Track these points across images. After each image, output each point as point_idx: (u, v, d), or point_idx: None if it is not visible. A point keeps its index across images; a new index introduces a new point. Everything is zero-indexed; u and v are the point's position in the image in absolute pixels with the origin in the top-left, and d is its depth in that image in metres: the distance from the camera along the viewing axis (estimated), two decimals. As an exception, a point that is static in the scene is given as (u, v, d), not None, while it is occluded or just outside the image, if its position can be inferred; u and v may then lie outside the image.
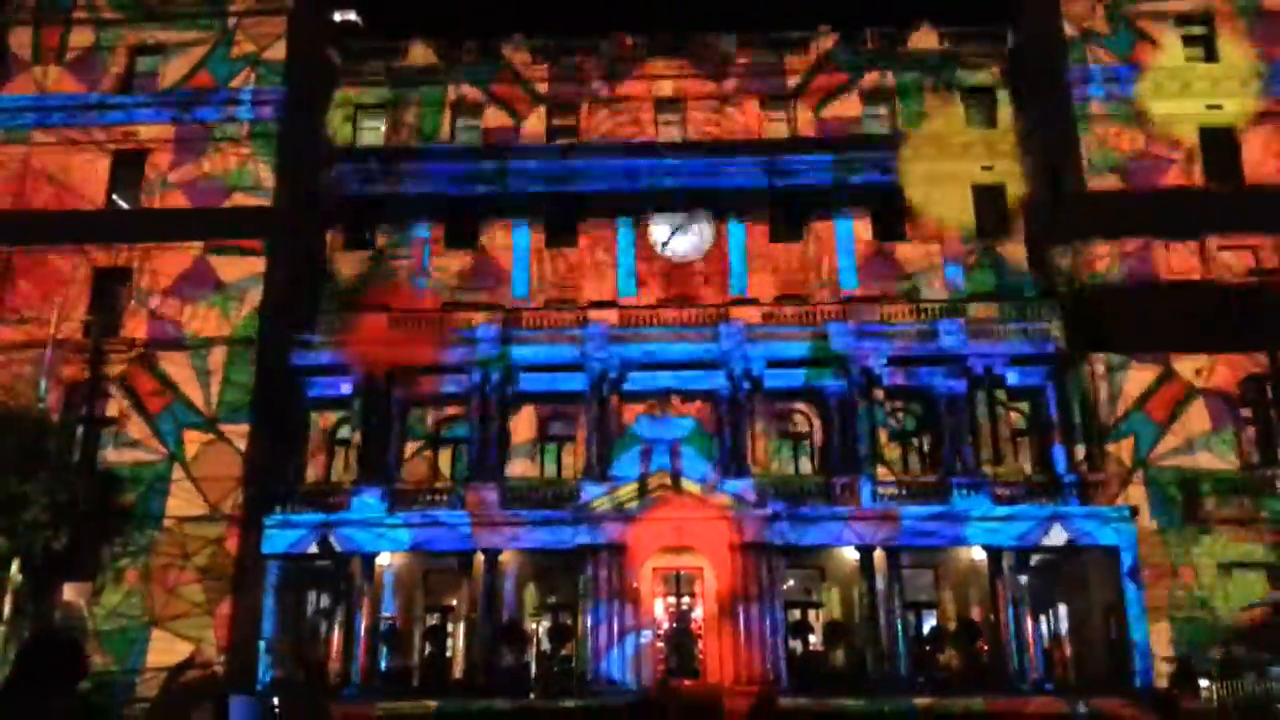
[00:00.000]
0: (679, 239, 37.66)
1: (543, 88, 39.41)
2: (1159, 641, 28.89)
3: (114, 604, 30.32)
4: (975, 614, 32.97)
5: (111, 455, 31.87)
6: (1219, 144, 33.32)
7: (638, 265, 37.57)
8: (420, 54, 39.54)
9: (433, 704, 27.69)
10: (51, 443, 30.51)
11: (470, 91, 39.44)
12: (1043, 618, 33.00)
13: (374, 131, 39.50)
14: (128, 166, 35.15)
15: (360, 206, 38.24)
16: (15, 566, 27.84)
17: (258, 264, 33.81)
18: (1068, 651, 32.96)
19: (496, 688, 29.89)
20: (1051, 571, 33.06)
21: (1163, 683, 27.79)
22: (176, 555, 30.79)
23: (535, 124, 39.15)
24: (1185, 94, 33.59)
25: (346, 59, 39.51)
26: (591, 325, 34.14)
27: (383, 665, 32.16)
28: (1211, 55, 34.26)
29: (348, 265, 37.72)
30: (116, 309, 33.61)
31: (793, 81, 38.93)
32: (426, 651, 33.63)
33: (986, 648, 31.46)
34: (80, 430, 32.40)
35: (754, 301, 35.86)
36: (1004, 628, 30.65)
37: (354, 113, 39.55)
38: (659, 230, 37.88)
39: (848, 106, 38.69)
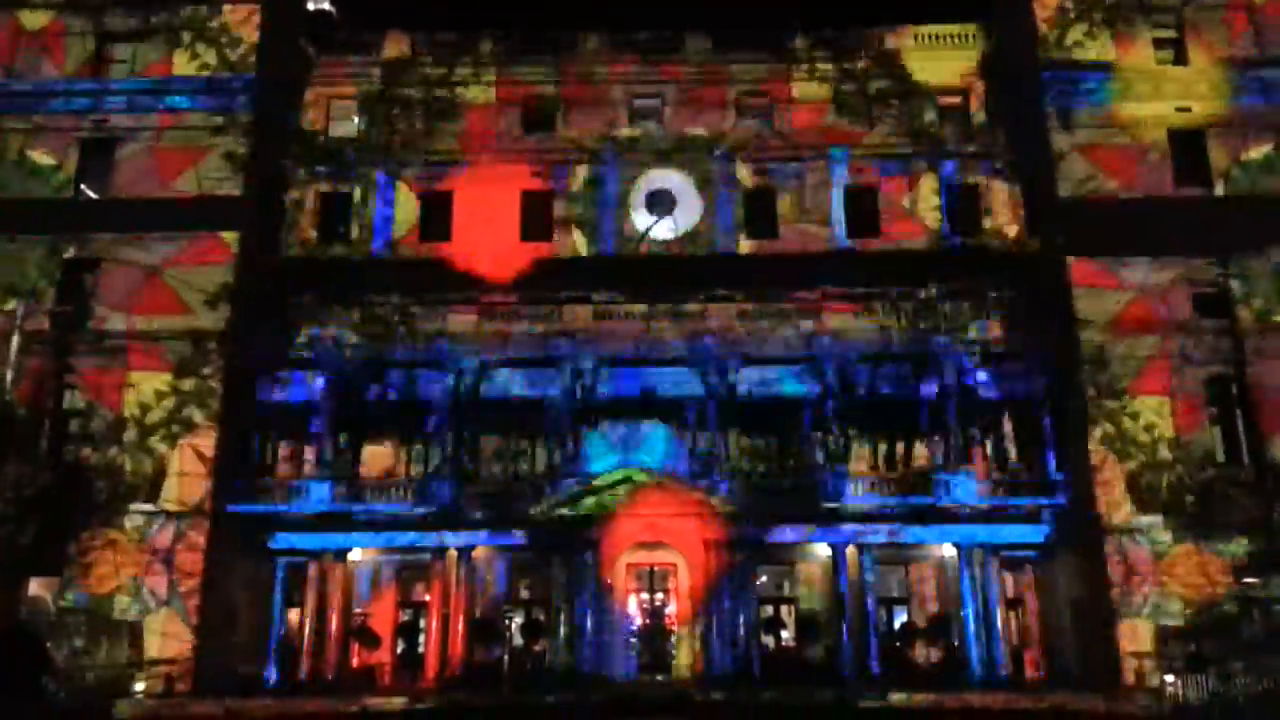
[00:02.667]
0: (658, 230, 37.30)
1: (516, 89, 38.93)
2: (1126, 637, 29.19)
3: (81, 599, 29.88)
4: (946, 610, 33.23)
5: (78, 448, 31.38)
6: (1187, 146, 33.74)
7: (614, 260, 37.33)
8: (395, 49, 39.01)
9: (404, 700, 27.53)
10: (17, 435, 30.04)
11: (444, 90, 38.98)
12: (1013, 614, 33.32)
13: (347, 123, 39.00)
14: (97, 155, 34.66)
15: (333, 199, 37.75)
16: (-21, 561, 27.45)
17: (228, 256, 33.45)
18: (1037, 648, 33.26)
19: (469, 683, 29.85)
20: (1022, 568, 33.35)
21: (1131, 679, 28.23)
22: (144, 550, 30.44)
23: (511, 120, 38.81)
24: (1156, 96, 34.00)
25: (321, 49, 38.99)
26: (566, 321, 34.01)
27: (354, 661, 31.92)
28: (1181, 58, 34.69)
29: (319, 257, 37.21)
30: (84, 300, 33.12)
31: (766, 81, 38.89)
32: (398, 647, 33.42)
33: (957, 643, 31.73)
34: (47, 423, 31.87)
35: (729, 299, 35.81)
36: (974, 623, 30.93)
37: (327, 104, 39.05)
38: (638, 221, 37.63)
39: (820, 106, 38.67)
